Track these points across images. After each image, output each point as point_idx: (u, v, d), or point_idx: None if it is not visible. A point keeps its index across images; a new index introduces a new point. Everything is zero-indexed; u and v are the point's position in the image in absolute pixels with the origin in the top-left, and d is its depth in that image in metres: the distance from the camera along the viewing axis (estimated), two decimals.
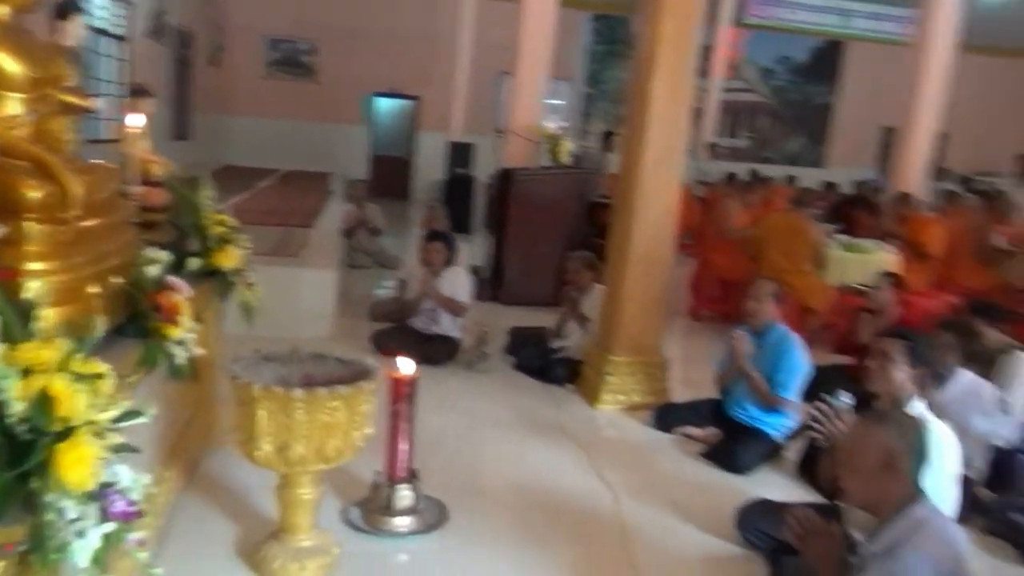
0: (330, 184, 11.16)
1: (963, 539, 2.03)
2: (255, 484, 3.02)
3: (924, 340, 2.86)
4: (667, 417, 4.32)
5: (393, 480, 3.08)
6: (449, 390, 4.68)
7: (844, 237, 7.34)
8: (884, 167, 12.93)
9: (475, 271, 7.11)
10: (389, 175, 14.83)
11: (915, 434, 2.04)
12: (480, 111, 13.18)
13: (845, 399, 2.85)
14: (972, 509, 3.22)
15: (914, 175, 8.92)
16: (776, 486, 3.72)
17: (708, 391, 4.38)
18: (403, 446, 3.08)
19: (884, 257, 6.68)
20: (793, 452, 3.98)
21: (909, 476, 2.01)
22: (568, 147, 7.54)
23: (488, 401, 4.62)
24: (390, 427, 3.06)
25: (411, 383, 3.08)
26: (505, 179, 7.36)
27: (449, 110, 13.09)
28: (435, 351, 5.06)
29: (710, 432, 4.16)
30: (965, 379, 3.53)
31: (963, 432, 3.02)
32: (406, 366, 3.08)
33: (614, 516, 3.30)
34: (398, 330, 5.25)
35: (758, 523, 3.06)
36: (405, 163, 15.41)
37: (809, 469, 3.81)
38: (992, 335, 4.08)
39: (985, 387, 3.57)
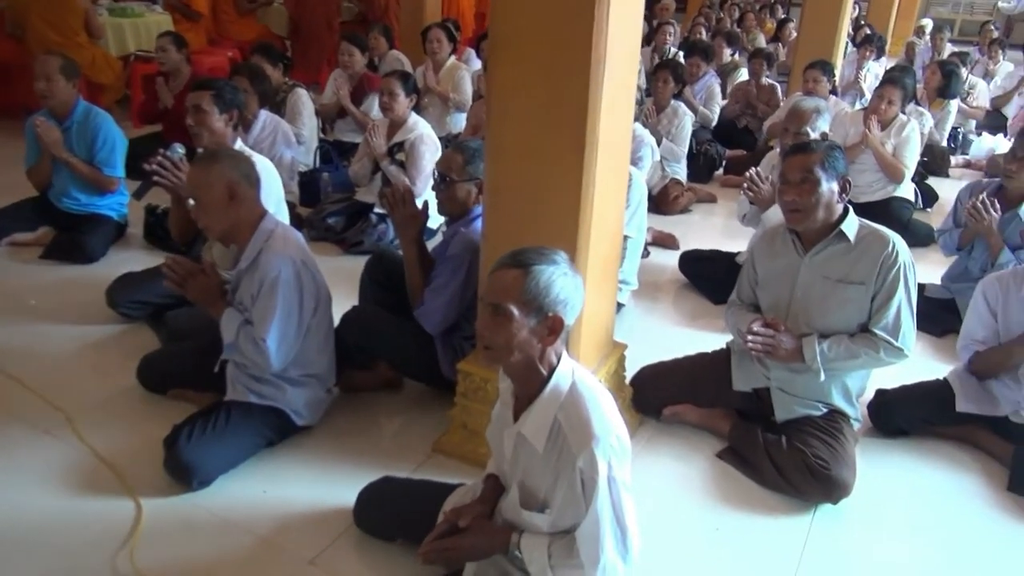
0: None
1: (301, 237, 2.52)
2: None
3: (227, 86, 3.15)
4: None
5: None
6: None
7: (106, 1, 6.95)
8: None
9: None
10: None
11: (245, 164, 2.38)
12: None
13: (179, 149, 3.02)
14: (298, 226, 3.88)
15: None
16: (133, 261, 3.79)
17: (23, 192, 4.01)
18: None
19: (156, 19, 6.62)
20: (136, 227, 4.06)
21: (251, 201, 2.37)
22: None
23: None
24: None
25: None
26: None
27: None
28: None
29: (42, 232, 3.91)
30: (264, 117, 4.02)
31: (277, 164, 3.54)
32: None
33: None
34: None
35: (128, 295, 3.18)
36: None
37: (153, 233, 3.99)
38: (276, 75, 4.65)
39: (282, 123, 4.14)
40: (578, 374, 1.67)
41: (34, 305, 3.36)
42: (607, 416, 1.61)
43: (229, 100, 3.07)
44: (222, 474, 2.34)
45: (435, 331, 2.62)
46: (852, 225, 2.40)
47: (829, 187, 2.35)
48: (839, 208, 2.40)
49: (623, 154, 2.32)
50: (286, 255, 2.33)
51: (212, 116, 3.02)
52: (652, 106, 5.00)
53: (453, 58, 5.69)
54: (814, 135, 3.39)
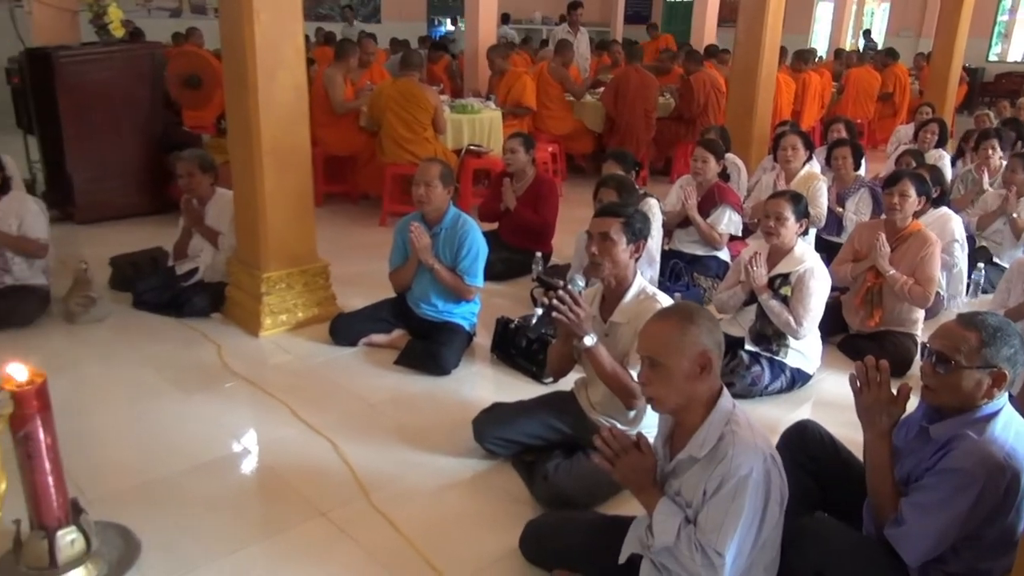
0: None
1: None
2: None
3: (637, 214, 2.79)
4: (345, 329, 3.85)
5: (47, 526, 2.18)
6: (54, 356, 3.56)
7: (447, 98, 7.27)
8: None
9: (29, 188, 5.51)
10: None
11: (717, 326, 1.94)
12: None
13: (579, 282, 2.71)
14: None
15: (487, 25, 8.99)
16: (482, 377, 3.59)
17: (380, 291, 3.99)
18: (50, 479, 2.17)
19: (490, 115, 6.75)
20: (483, 336, 3.86)
21: (718, 372, 1.92)
22: (120, 16, 5.99)
23: (116, 359, 3.63)
24: (24, 460, 2.12)
25: (40, 392, 2.12)
26: (38, 62, 5.67)
27: None
28: (18, 308, 3.83)
29: (396, 335, 3.83)
30: None
31: None
32: (17, 371, 2.10)
33: (342, 468, 2.81)
34: None
35: (497, 431, 2.87)
36: None
37: (503, 348, 3.74)
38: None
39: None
40: None
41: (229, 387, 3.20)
42: None
43: (638, 230, 2.70)
44: None
45: (916, 562, 1.97)
46: None
47: None
48: None
49: None
50: (757, 448, 1.83)
51: (619, 246, 2.66)
52: None
53: (807, 167, 5.09)
54: None
